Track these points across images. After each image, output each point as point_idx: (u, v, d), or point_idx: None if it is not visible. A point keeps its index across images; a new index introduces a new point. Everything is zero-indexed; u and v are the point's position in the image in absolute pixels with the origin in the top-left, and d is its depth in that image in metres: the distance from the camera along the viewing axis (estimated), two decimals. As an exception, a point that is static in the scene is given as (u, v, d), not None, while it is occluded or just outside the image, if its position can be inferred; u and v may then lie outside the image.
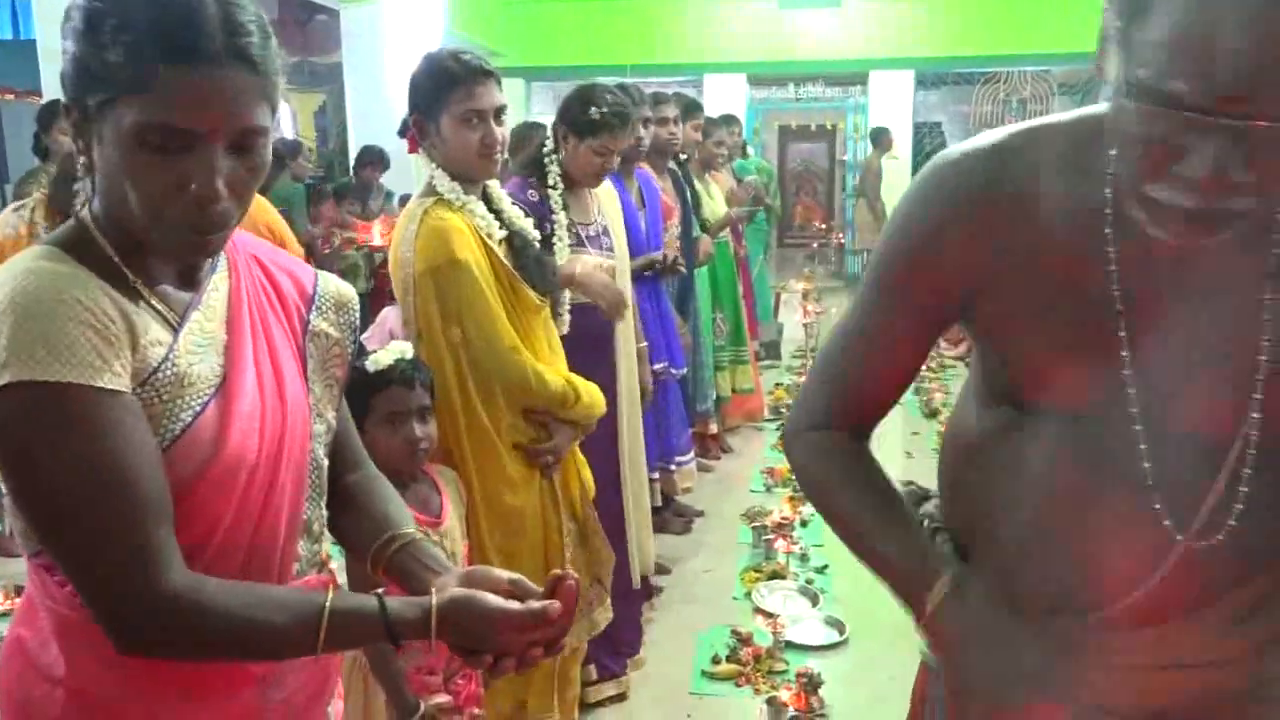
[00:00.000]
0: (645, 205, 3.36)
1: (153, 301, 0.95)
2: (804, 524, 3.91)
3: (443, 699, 1.73)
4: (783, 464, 4.62)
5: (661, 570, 3.45)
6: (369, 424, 1.77)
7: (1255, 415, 0.90)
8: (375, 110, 6.96)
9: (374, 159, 6.64)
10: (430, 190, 1.99)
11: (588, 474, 2.31)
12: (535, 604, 0.98)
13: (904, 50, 9.70)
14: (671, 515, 3.88)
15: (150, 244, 0.94)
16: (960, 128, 12.06)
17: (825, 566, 3.55)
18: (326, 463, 1.10)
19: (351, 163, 7.16)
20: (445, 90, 1.92)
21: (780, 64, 10.36)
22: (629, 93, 2.85)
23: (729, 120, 5.74)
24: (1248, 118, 0.75)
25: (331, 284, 1.14)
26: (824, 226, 12.22)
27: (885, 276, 1.04)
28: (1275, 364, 0.89)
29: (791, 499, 4.15)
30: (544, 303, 2.09)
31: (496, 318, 1.95)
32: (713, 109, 9.70)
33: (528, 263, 2.06)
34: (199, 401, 0.95)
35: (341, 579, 1.48)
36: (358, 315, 1.15)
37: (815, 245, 11.63)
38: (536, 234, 2.15)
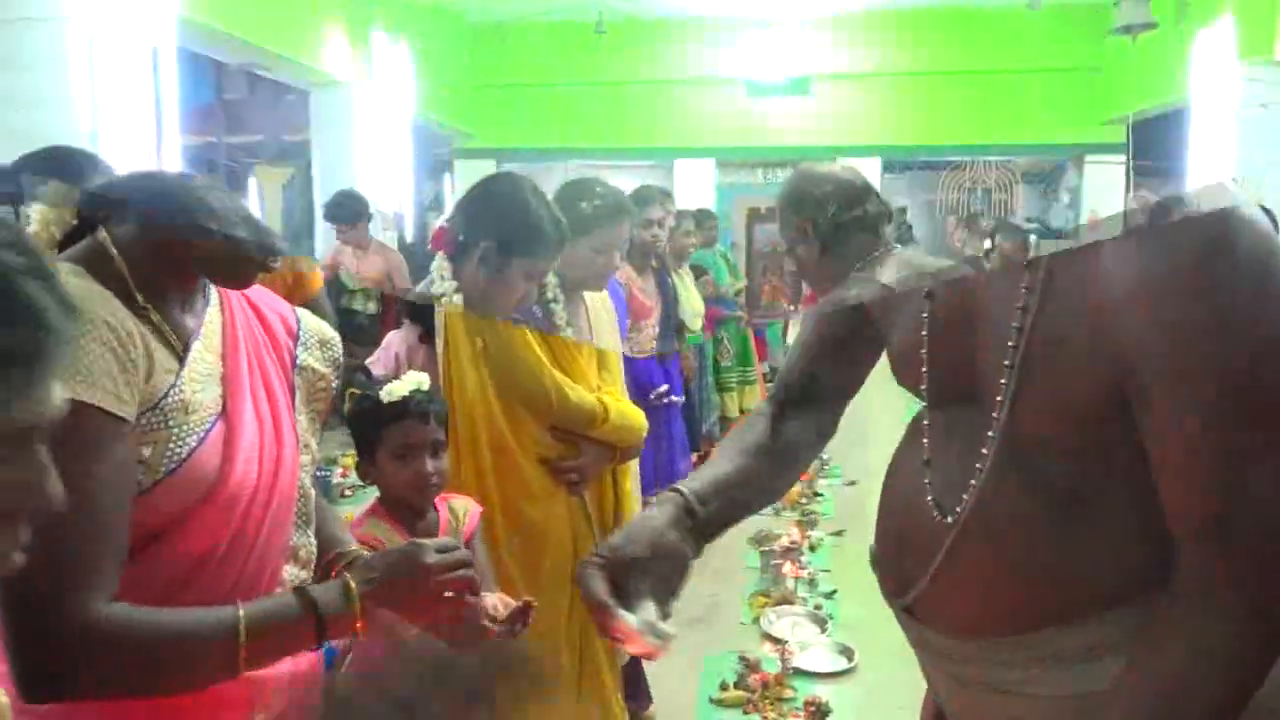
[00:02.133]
0: None
1: (161, 327, 0.99)
2: (812, 549, 3.91)
3: None
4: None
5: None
6: (380, 455, 1.73)
7: (998, 399, 0.92)
8: (342, 186, 6.87)
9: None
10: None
11: (632, 506, 2.24)
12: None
13: (871, 138, 9.91)
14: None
15: (223, 265, 1.02)
16: (926, 214, 12.24)
17: (834, 592, 3.49)
18: (313, 492, 1.15)
19: (318, 238, 7.11)
20: (532, 246, 1.90)
21: (749, 149, 10.52)
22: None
23: (704, 215, 5.76)
24: None
25: (313, 321, 1.21)
26: (791, 307, 12.26)
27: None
28: (1019, 347, 0.91)
29: (799, 523, 4.13)
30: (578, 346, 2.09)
31: (520, 332, 1.93)
32: (682, 192, 9.83)
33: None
34: (202, 428, 0.99)
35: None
36: (340, 352, 1.23)
37: (784, 323, 11.62)
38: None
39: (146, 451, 0.94)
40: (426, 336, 2.28)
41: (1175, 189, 7.45)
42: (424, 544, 1.07)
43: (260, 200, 9.56)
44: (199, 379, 1.00)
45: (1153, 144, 8.36)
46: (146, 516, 0.94)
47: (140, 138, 4.35)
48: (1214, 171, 6.20)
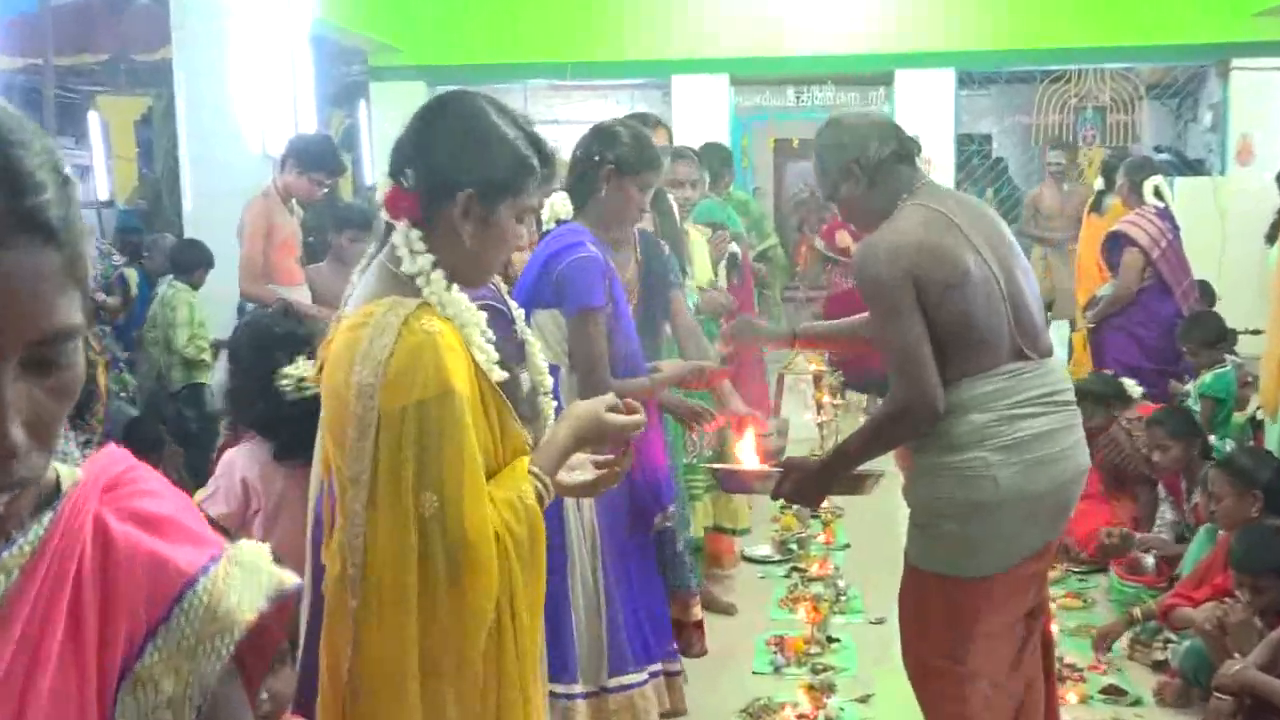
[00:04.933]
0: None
1: None
2: (829, 724, 3.73)
3: None
4: (796, 632, 4.41)
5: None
6: None
7: None
8: (217, 122, 6.99)
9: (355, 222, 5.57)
10: (401, 283, 1.96)
11: None
12: None
13: (941, 43, 9.97)
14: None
15: None
16: (1018, 140, 12.12)
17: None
18: None
19: (185, 193, 6.97)
20: (520, 179, 2.03)
21: (774, 61, 10.40)
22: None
23: (714, 151, 5.60)
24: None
25: (211, 598, 0.98)
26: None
27: None
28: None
29: (811, 689, 3.89)
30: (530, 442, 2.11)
31: (476, 475, 1.90)
32: (683, 121, 9.70)
33: (512, 388, 2.07)
34: None
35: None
36: (230, 648, 0.99)
37: (779, 377, 11.40)
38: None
39: None
40: (285, 452, 2.45)
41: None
42: None
43: (105, 143, 9.43)
44: None
45: (1326, 40, 8.22)
46: None
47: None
48: None
